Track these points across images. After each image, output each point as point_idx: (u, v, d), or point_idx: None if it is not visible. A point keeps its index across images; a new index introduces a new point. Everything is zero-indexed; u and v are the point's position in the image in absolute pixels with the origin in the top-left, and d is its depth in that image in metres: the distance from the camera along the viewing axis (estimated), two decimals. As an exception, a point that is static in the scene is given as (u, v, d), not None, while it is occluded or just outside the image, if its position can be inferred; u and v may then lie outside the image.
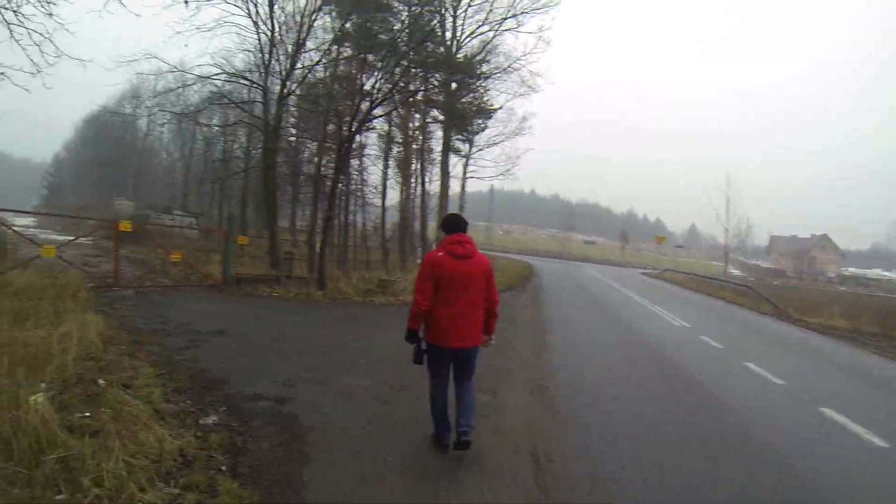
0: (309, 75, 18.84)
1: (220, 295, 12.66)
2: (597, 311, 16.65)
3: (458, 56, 22.45)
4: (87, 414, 4.24)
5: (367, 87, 14.50)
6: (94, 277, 12.39)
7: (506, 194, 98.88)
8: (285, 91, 17.64)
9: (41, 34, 8.40)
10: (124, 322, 8.41)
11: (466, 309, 3.94)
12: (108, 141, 57.82)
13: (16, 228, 14.24)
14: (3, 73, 8.37)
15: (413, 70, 17.00)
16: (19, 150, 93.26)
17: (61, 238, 20.83)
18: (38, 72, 8.70)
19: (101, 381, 5.16)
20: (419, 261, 21.92)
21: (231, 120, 22.84)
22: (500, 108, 25.06)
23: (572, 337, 11.23)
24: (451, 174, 25.52)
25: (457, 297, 3.89)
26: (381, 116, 20.28)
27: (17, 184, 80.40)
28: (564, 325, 12.71)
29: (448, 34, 22.87)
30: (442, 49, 21.61)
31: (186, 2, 8.91)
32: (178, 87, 18.58)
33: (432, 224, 25.93)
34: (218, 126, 28.83)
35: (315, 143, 22.28)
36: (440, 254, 3.93)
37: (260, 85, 17.89)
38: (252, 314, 10.51)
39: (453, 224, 4.11)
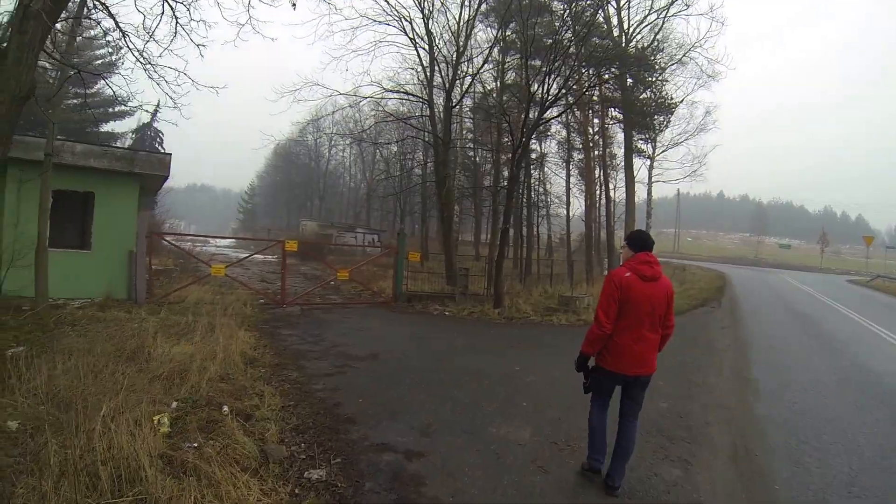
0: (476, 86, 19.89)
1: (388, 313, 13.31)
2: (808, 334, 13.82)
3: (629, 49, 21.65)
4: (196, 445, 4.27)
5: (537, 91, 14.91)
6: (263, 294, 13.93)
7: (692, 199, 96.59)
8: (451, 103, 18.71)
9: (174, 69, 9.66)
10: (276, 341, 9.09)
11: (648, 334, 4.01)
12: (294, 167, 68.98)
13: (211, 248, 16.56)
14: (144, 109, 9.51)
15: (582, 68, 16.40)
16: (221, 181, 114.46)
17: (250, 256, 24.86)
18: (176, 105, 10.14)
19: (225, 409, 5.25)
20: (606, 272, 20.91)
21: (402, 137, 24.50)
22: (682, 101, 23.54)
23: (782, 372, 9.12)
24: (636, 178, 24.63)
25: (640, 321, 3.96)
26: (553, 119, 20.51)
27: (219, 211, 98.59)
28: (770, 355, 10.67)
29: (615, 26, 22.72)
30: (609, 42, 20.95)
31: (294, 4, 9.21)
32: (348, 107, 20.27)
33: (619, 233, 25.02)
34: (386, 144, 31.37)
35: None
36: (628, 274, 3.97)
37: (425, 100, 19.03)
38: (415, 335, 10.60)
39: (641, 241, 4.16)
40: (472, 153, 28.07)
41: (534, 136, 19.09)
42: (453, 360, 8.36)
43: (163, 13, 8.54)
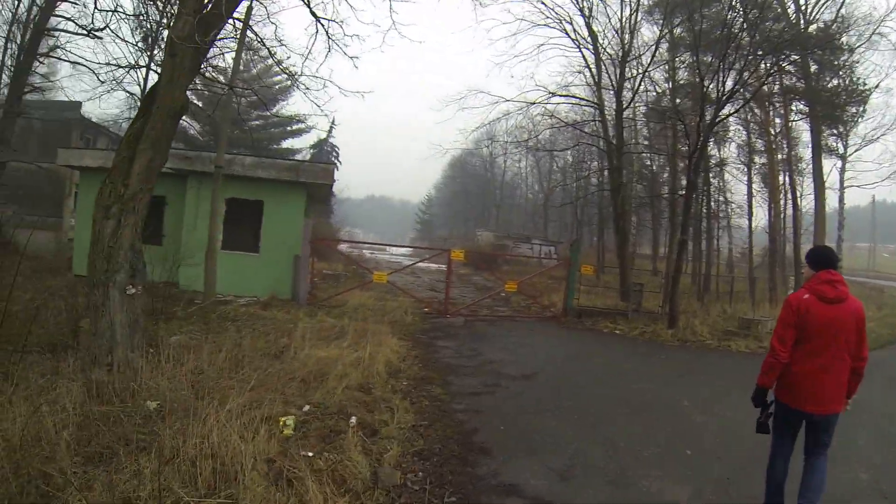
0: (648, 87, 19.04)
1: (555, 328, 13.03)
2: None
3: (809, 30, 18.47)
4: (310, 454, 4.25)
5: (711, 89, 14.26)
6: (426, 303, 14.26)
7: (890, 207, 78.30)
8: (622, 105, 18.16)
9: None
10: (429, 352, 9.11)
11: (832, 364, 3.71)
12: (470, 178, 71.42)
13: (387, 256, 17.37)
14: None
15: (758, 57, 14.81)
16: (400, 193, 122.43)
17: (425, 266, 26.21)
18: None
19: (353, 420, 5.21)
20: (791, 290, 18.38)
21: (574, 143, 23.86)
22: (876, 86, 19.25)
23: None
24: (825, 184, 21.04)
25: (822, 349, 3.71)
26: (731, 116, 18.65)
27: (397, 222, 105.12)
28: None
29: (789, 4, 19.65)
30: (785, 25, 18.03)
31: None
32: (516, 112, 20.16)
33: (807, 247, 21.72)
34: (558, 151, 30.79)
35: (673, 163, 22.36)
36: (806, 296, 3.77)
37: (594, 103, 18.47)
38: (578, 355, 10.14)
39: (822, 259, 3.93)
40: (647, 160, 27.05)
41: (712, 139, 17.83)
42: (614, 388, 7.68)
43: (316, 32, 9.29)
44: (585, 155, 31.73)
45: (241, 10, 9.96)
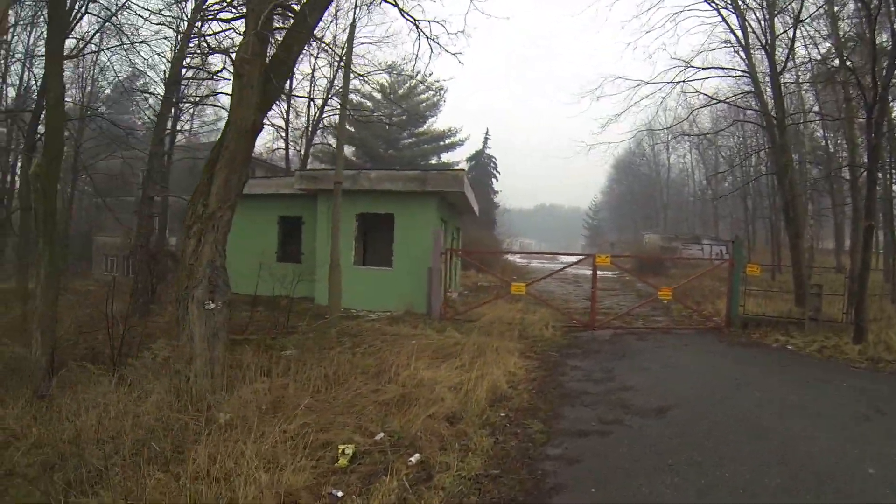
0: (805, 41, 15.56)
1: (714, 342, 10.91)
2: None
3: None
4: (340, 495, 3.93)
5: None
6: (568, 314, 13.00)
7: None
8: (777, 67, 14.89)
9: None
10: (553, 374, 8.03)
11: None
12: (635, 179, 67.95)
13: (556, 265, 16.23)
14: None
15: None
16: (569, 200, 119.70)
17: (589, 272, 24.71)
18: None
19: (413, 458, 4.56)
20: None
21: (729, 123, 20.66)
22: None
23: None
24: None
25: None
26: None
27: (568, 230, 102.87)
28: None
29: None
30: None
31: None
32: (659, 93, 17.90)
33: None
34: (708, 134, 27.25)
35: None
36: None
37: (744, 71, 15.70)
38: (734, 380, 7.78)
39: None
40: (820, 135, 22.87)
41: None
42: (771, 439, 5.26)
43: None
44: (747, 135, 28.77)
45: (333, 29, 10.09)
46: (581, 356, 9.33)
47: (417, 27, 9.13)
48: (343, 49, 25.02)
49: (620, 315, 13.29)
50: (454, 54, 9.51)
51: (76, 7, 13.90)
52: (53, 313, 7.92)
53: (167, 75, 16.12)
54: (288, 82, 23.58)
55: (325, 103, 25.70)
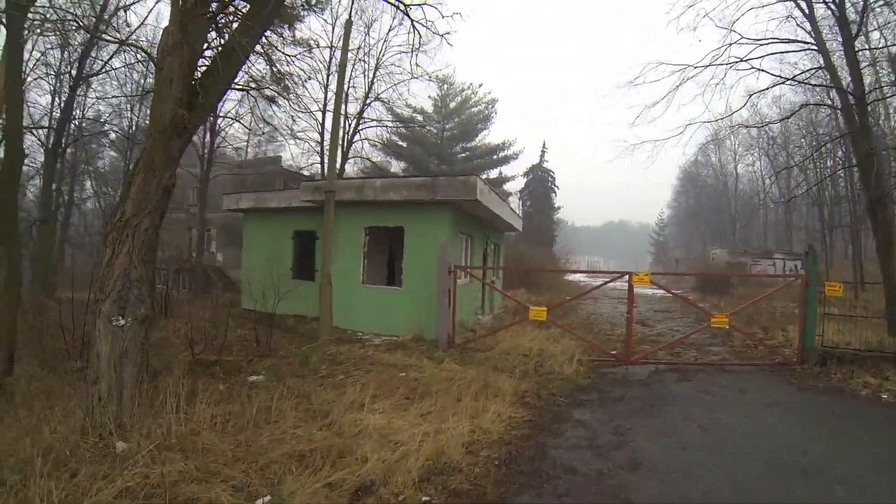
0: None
1: (781, 385, 8.56)
2: None
3: None
4: None
5: None
6: (594, 346, 10.93)
7: None
8: (851, 33, 12.17)
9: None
10: (541, 434, 6.07)
11: None
12: (702, 191, 64.64)
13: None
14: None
15: None
16: (637, 216, 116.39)
17: (649, 292, 23.14)
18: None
19: None
20: None
21: (799, 107, 17.84)
22: None
23: None
24: None
25: None
26: None
27: (634, 246, 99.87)
28: None
29: None
30: None
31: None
32: (711, 83, 15.66)
33: None
34: (772, 122, 24.37)
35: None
36: None
37: (807, 43, 13.06)
38: (804, 455, 5.50)
39: None
40: None
41: None
42: None
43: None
44: (819, 124, 25.99)
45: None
46: (595, 405, 7.32)
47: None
48: (380, 54, 25.17)
49: (669, 344, 11.27)
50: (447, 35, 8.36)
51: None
52: (13, 323, 7.83)
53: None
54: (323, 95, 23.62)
55: (360, 115, 25.23)
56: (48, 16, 10.20)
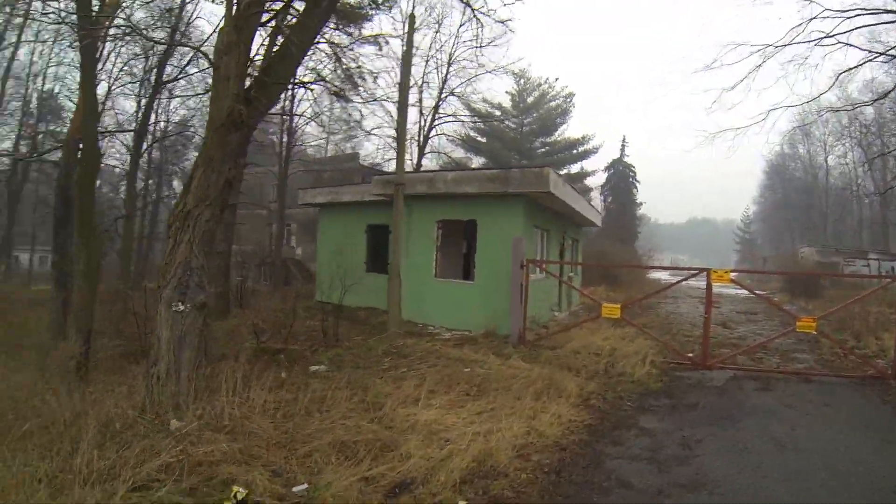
0: None
1: (874, 400, 7.51)
2: None
3: None
4: None
5: None
6: (670, 347, 10.14)
7: None
8: None
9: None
10: (599, 441, 5.55)
11: None
12: (790, 184, 59.98)
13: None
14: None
15: None
16: (722, 212, 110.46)
17: (733, 291, 21.75)
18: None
19: None
20: None
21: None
22: None
23: None
24: None
25: None
26: None
27: (720, 243, 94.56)
28: None
29: None
30: None
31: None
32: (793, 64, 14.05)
33: None
34: (860, 105, 21.74)
35: None
36: None
37: None
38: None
39: None
40: None
41: None
42: None
43: None
44: None
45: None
46: (663, 412, 6.72)
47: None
48: (451, 49, 25.08)
49: (750, 348, 10.36)
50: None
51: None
52: (91, 308, 8.22)
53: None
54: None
55: (435, 109, 25.25)
56: (125, 31, 10.88)
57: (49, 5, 10.70)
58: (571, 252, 17.99)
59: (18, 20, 18.92)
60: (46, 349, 8.83)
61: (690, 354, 9.81)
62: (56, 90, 25.71)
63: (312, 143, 31.31)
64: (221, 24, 6.95)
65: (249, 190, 30.80)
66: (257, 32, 6.91)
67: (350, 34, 11.69)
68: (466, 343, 10.21)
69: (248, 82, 6.55)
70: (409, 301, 11.69)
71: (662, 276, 31.09)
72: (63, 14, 10.62)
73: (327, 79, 11.59)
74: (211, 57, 7.09)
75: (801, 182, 57.93)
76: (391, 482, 4.10)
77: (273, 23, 7.23)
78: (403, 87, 11.70)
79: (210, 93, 7.14)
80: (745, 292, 16.55)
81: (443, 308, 12.25)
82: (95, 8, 9.31)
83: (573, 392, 6.87)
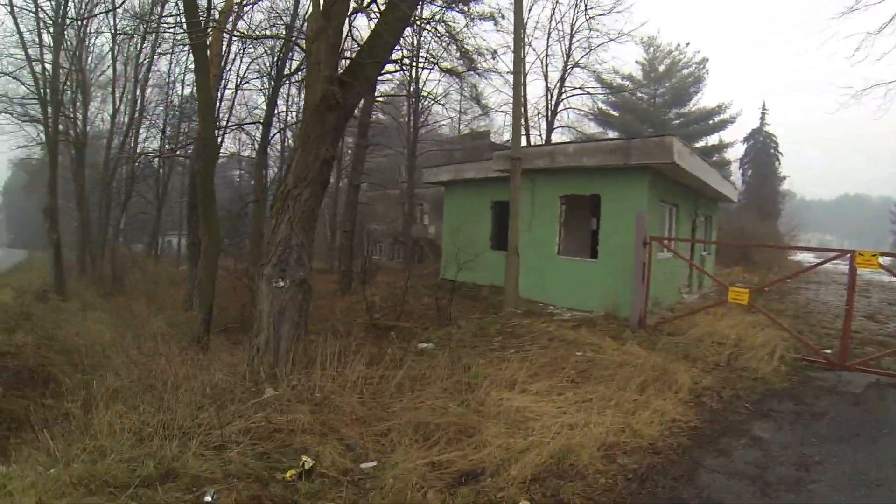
0: None
1: None
2: None
3: None
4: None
5: None
6: (804, 343, 8.61)
7: None
8: None
9: None
10: (693, 449, 4.77)
11: None
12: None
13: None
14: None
15: None
16: (878, 189, 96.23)
17: (888, 280, 18.53)
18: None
19: None
20: None
21: None
22: None
23: None
24: None
25: None
26: None
27: (878, 224, 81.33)
28: None
29: None
30: None
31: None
32: None
33: None
34: None
35: None
36: None
37: None
38: None
39: None
40: None
41: None
42: None
43: None
44: None
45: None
46: (784, 419, 5.61)
47: None
48: (573, 19, 23.90)
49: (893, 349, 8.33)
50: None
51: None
52: (212, 283, 9.42)
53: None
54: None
55: (561, 82, 24.30)
56: (249, 32, 11.50)
57: (166, 20, 11.69)
58: (705, 229, 16.48)
59: (151, 36, 21.34)
60: (177, 322, 9.86)
61: (827, 351, 8.29)
62: (193, 93, 28.71)
63: (443, 123, 31.64)
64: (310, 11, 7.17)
65: (387, 171, 31.95)
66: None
67: (463, 11, 11.51)
68: (584, 325, 9.66)
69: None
70: (531, 279, 11.45)
71: (808, 256, 27.77)
72: (182, 23, 11.47)
73: (442, 58, 11.54)
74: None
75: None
76: (459, 470, 3.89)
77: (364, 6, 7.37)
78: (517, 59, 11.23)
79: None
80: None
81: (564, 287, 11.77)
82: (207, 12, 10.02)
83: (685, 386, 6.11)
